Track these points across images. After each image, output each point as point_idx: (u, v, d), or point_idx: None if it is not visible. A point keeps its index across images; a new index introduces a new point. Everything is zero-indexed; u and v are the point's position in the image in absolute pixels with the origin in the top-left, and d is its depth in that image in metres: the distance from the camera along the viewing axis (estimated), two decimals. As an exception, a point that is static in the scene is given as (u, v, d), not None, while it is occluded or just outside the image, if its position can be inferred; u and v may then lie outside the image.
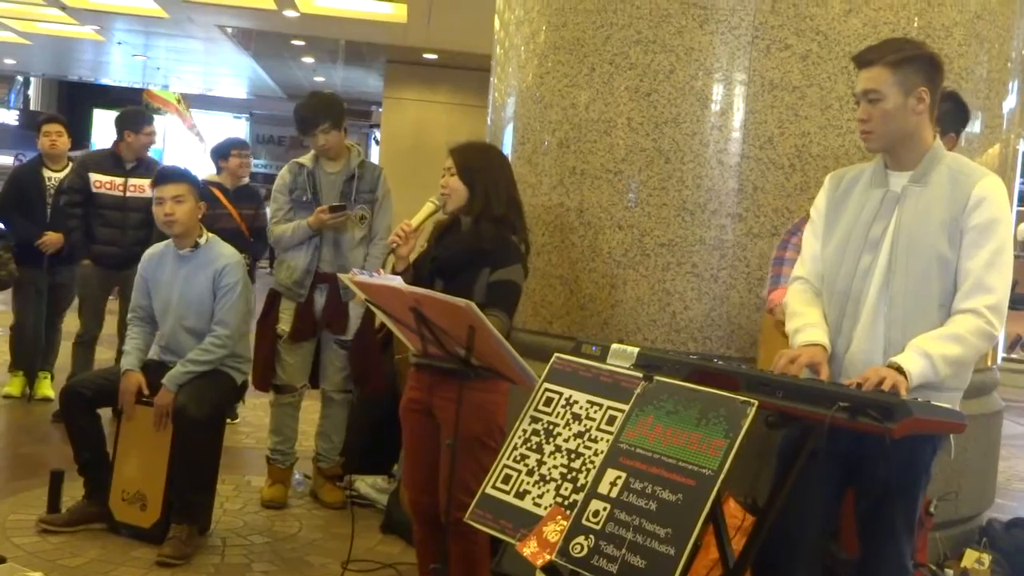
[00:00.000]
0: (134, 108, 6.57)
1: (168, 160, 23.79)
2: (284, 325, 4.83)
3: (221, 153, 6.56)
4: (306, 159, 4.95)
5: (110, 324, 6.45)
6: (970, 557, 3.94)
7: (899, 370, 2.45)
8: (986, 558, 3.91)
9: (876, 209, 2.72)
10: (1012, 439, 7.64)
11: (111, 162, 6.19)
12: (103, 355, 6.67)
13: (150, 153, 6.51)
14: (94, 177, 6.10)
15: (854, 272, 2.72)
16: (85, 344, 6.24)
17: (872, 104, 2.67)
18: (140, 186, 6.09)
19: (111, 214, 6.10)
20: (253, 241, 6.26)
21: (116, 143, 6.24)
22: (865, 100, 2.69)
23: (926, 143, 2.72)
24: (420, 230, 3.40)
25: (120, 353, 6.10)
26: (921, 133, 2.71)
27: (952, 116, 3.44)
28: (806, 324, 2.75)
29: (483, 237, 3.31)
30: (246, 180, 6.68)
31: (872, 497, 2.72)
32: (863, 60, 2.71)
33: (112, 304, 6.38)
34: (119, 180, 6.13)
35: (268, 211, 5.05)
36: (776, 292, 3.45)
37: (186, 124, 19.71)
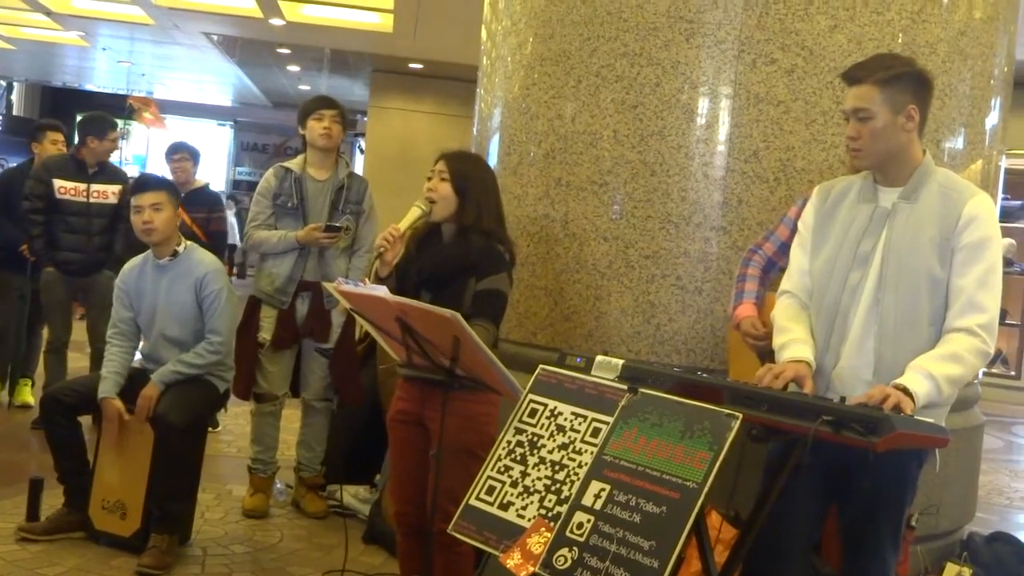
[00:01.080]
0: (99, 113, 6.49)
1: (151, 168, 23.74)
2: (265, 333, 4.79)
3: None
4: (293, 164, 4.88)
5: (79, 330, 6.41)
6: (951, 571, 3.95)
7: (905, 391, 2.45)
8: (967, 572, 3.92)
9: (865, 225, 2.72)
10: (992, 453, 7.69)
11: (73, 167, 6.10)
12: (78, 363, 6.64)
13: (111, 158, 6.45)
14: (58, 183, 6.02)
15: (842, 288, 2.72)
16: (56, 351, 6.19)
17: (862, 122, 2.66)
18: (103, 192, 6.05)
19: (75, 220, 6.03)
20: (210, 244, 6.19)
21: (78, 148, 6.16)
22: (855, 118, 2.68)
23: (916, 159, 2.72)
24: (406, 235, 3.38)
25: (94, 358, 6.08)
26: (911, 149, 2.71)
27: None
28: (792, 340, 2.75)
29: (471, 248, 3.29)
30: (199, 184, 6.64)
31: (857, 510, 2.72)
32: (852, 77, 2.70)
33: (79, 309, 6.33)
34: (82, 186, 6.06)
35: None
36: (740, 307, 3.49)
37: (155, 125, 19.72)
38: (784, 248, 3.54)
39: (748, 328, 3.39)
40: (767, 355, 3.32)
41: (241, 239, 15.21)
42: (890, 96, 2.64)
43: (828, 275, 2.76)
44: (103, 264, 6.08)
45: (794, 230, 3.48)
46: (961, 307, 2.61)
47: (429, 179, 3.38)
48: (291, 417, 6.29)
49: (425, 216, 3.35)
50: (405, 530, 3.39)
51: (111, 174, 6.18)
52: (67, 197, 6.03)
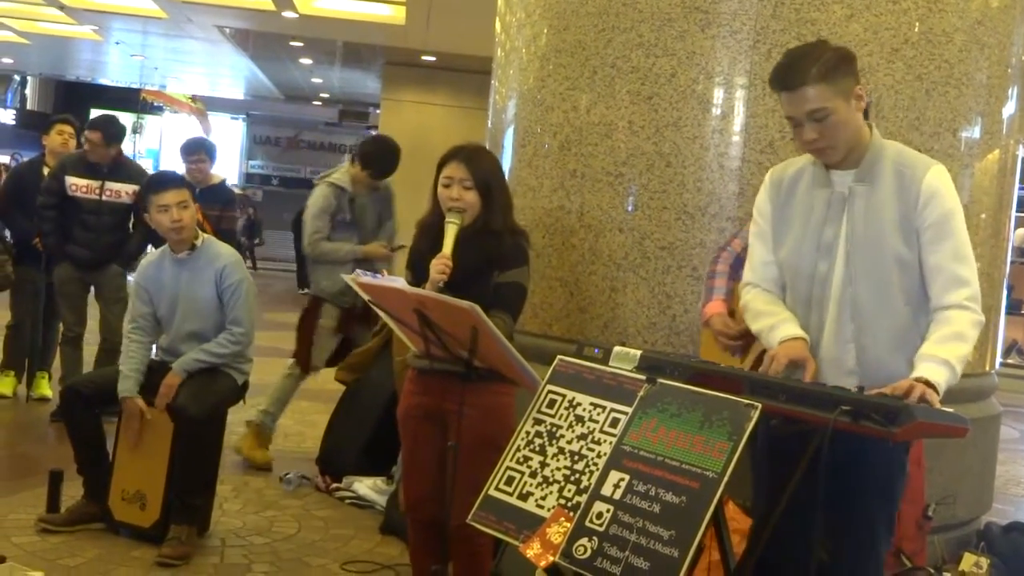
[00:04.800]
0: (106, 116, 6.47)
1: (165, 161, 23.81)
2: (329, 320, 5.46)
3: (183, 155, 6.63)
4: (344, 182, 5.37)
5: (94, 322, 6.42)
6: (968, 561, 3.95)
7: (927, 384, 2.42)
8: (984, 562, 3.92)
9: (824, 212, 2.68)
10: (1008, 443, 7.67)
11: (86, 165, 6.07)
12: (93, 354, 6.62)
13: (126, 154, 6.42)
14: (70, 180, 6.01)
15: (812, 279, 2.69)
16: (71, 342, 6.20)
17: (819, 122, 2.57)
18: (117, 191, 6.04)
19: (87, 217, 6.02)
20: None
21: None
22: (810, 120, 2.58)
23: (866, 138, 2.66)
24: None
25: (103, 350, 6.10)
26: (862, 129, 2.66)
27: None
28: (780, 320, 2.70)
29: (500, 246, 3.24)
30: (216, 180, 6.64)
31: (856, 498, 2.71)
32: (790, 84, 2.58)
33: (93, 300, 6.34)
34: (95, 183, 6.04)
35: (310, 223, 5.45)
36: (710, 304, 3.48)
37: (203, 125, 19.83)
38: None
39: (720, 327, 3.38)
40: (737, 352, 3.35)
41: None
42: (838, 86, 2.56)
43: (795, 266, 2.72)
44: (112, 260, 6.10)
45: None
46: (944, 284, 2.58)
47: (446, 187, 3.25)
48: (310, 410, 6.33)
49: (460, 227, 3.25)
50: (419, 524, 3.38)
51: (128, 173, 6.15)
52: (79, 194, 6.02)
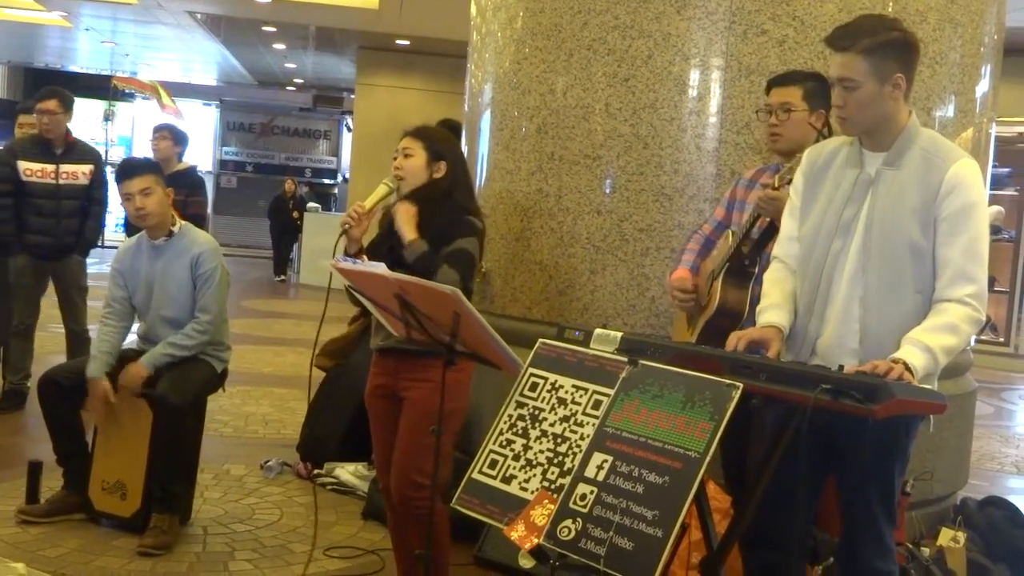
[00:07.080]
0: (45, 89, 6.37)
1: (137, 148, 23.57)
2: None
3: None
4: None
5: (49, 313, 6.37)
6: (946, 535, 3.99)
7: (904, 366, 2.44)
8: (961, 536, 3.96)
9: (849, 192, 2.71)
10: (983, 419, 7.75)
11: (40, 148, 5.95)
12: (49, 346, 6.52)
13: (80, 137, 6.26)
14: (23, 165, 5.88)
15: (826, 255, 2.72)
16: (21, 334, 6.10)
17: (847, 91, 2.62)
18: (73, 172, 5.92)
19: (44, 203, 5.89)
20: None
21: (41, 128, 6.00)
22: (840, 87, 2.64)
23: (901, 123, 2.69)
24: (373, 213, 3.34)
25: (69, 339, 6.03)
26: (897, 115, 2.69)
27: (820, 93, 3.44)
28: (768, 305, 2.77)
29: (442, 221, 3.29)
30: (184, 166, 6.47)
31: (849, 484, 2.74)
32: (837, 45, 2.64)
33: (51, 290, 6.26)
34: (50, 167, 5.91)
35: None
36: (675, 272, 3.57)
37: (168, 111, 19.57)
38: (720, 227, 3.58)
39: (676, 284, 3.47)
40: (696, 314, 3.43)
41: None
42: (876, 65, 2.59)
43: (813, 241, 2.76)
44: (72, 248, 6.01)
45: (729, 209, 3.54)
46: (950, 278, 2.60)
47: (395, 159, 3.38)
48: (289, 397, 6.32)
49: (392, 193, 3.35)
50: (391, 503, 3.41)
51: (81, 153, 6.04)
52: (34, 179, 5.89)
